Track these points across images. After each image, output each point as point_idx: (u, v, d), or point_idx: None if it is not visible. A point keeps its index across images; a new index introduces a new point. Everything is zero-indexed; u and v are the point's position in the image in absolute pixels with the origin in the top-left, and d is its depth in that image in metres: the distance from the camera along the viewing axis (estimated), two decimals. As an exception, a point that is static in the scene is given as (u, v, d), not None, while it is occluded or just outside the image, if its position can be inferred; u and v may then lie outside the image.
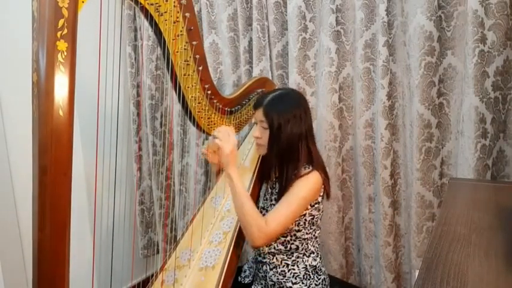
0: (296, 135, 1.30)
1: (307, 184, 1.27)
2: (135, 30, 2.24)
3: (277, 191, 1.37)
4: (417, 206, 1.57)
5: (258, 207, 1.45)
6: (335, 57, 1.72)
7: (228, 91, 2.00)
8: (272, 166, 1.44)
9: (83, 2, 0.70)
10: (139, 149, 2.34)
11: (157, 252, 2.48)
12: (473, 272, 0.68)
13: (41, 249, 0.69)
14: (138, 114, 2.29)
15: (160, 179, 2.34)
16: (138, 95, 2.28)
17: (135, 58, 2.26)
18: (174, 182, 2.30)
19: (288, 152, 1.30)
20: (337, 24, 1.72)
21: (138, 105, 2.28)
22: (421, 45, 1.46)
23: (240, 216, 1.24)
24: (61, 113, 0.66)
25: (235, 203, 1.25)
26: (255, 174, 1.47)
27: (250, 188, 1.41)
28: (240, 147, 1.67)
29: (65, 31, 0.66)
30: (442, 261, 0.72)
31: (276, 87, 1.78)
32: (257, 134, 1.36)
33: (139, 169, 2.36)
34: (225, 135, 1.28)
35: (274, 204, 1.36)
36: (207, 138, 2.15)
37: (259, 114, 1.33)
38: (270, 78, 1.87)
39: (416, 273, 0.73)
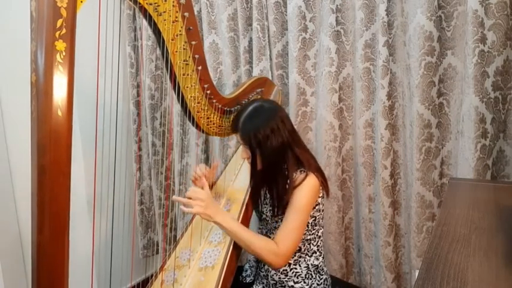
0: (278, 147, 1.27)
1: (306, 192, 1.26)
2: (135, 30, 2.24)
3: (275, 198, 1.36)
4: (417, 206, 1.57)
5: (258, 212, 1.44)
6: (335, 57, 1.72)
7: (228, 91, 2.00)
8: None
9: (81, 1, 0.70)
10: (139, 149, 2.34)
11: (157, 252, 2.48)
12: (473, 272, 0.68)
13: (41, 250, 0.69)
14: (138, 114, 2.29)
15: (160, 179, 2.34)
16: (138, 95, 2.28)
17: (135, 58, 2.26)
18: (174, 182, 2.30)
19: (274, 166, 1.29)
20: (337, 24, 1.72)
21: (138, 105, 2.28)
22: (421, 45, 1.46)
23: (250, 251, 1.25)
24: (60, 113, 0.66)
25: (238, 243, 1.25)
26: None
27: (249, 191, 1.41)
28: (239, 147, 1.67)
29: (64, 31, 0.66)
30: (442, 261, 0.72)
31: (275, 87, 1.78)
32: (245, 156, 1.35)
33: (139, 169, 2.36)
34: (190, 202, 1.20)
35: (271, 210, 1.36)
36: (206, 138, 2.16)
37: (239, 138, 1.33)
38: (270, 78, 1.87)
39: (416, 273, 0.73)
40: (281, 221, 1.31)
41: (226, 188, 1.50)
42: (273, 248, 1.22)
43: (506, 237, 0.80)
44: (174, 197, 1.23)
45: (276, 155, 1.28)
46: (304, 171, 1.29)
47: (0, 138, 1.69)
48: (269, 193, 1.36)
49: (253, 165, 1.31)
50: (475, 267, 0.70)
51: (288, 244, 1.23)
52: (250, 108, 1.33)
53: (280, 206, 1.29)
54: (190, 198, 1.20)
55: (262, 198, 1.45)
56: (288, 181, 1.28)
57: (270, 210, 1.37)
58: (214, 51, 2.03)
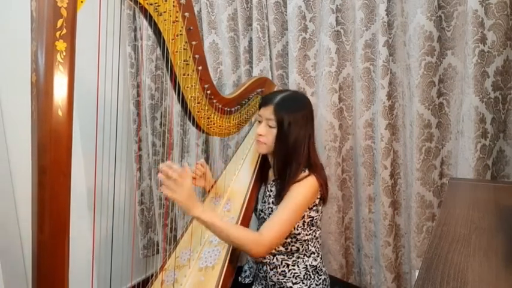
0: (302, 137, 1.30)
1: (303, 189, 1.26)
2: (135, 30, 2.24)
3: (274, 194, 1.36)
4: (417, 206, 1.57)
5: (256, 210, 1.44)
6: (335, 57, 1.72)
7: (228, 91, 2.00)
8: (271, 167, 1.44)
9: (81, 1, 0.70)
10: (139, 149, 2.34)
11: (157, 252, 2.48)
12: (473, 272, 0.68)
13: (41, 250, 0.69)
14: (138, 114, 2.29)
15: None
16: (138, 95, 2.28)
17: (135, 58, 2.26)
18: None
19: (292, 152, 1.30)
20: (337, 24, 1.72)
21: (138, 105, 2.28)
22: (421, 45, 1.46)
23: (231, 243, 1.22)
24: (60, 113, 0.66)
25: (219, 237, 1.21)
26: (254, 175, 1.47)
27: (249, 191, 1.41)
28: (240, 147, 1.67)
29: (64, 31, 0.66)
30: (442, 261, 0.72)
31: (276, 87, 1.78)
32: (261, 132, 1.34)
33: (139, 169, 2.36)
34: (173, 184, 1.10)
35: (271, 207, 1.36)
36: (206, 138, 2.16)
37: (268, 112, 1.32)
38: (270, 78, 1.87)
39: (416, 273, 0.73)
40: None
41: (227, 187, 1.50)
42: (254, 238, 1.21)
43: (506, 237, 0.80)
44: (162, 166, 1.10)
45: (297, 143, 1.29)
46: (306, 171, 1.29)
47: (0, 139, 1.69)
48: (278, 178, 1.35)
49: (277, 142, 1.32)
50: (475, 267, 0.70)
51: (271, 235, 1.21)
52: (289, 92, 1.40)
53: (282, 194, 1.29)
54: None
55: (261, 196, 1.45)
56: (295, 172, 1.29)
57: (268, 207, 1.37)
58: (214, 51, 2.03)
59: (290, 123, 1.28)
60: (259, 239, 1.20)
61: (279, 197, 1.30)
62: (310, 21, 1.79)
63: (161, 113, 2.30)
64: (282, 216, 1.24)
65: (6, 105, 1.70)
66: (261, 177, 1.49)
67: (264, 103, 1.36)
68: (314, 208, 1.32)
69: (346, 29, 1.72)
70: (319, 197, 1.32)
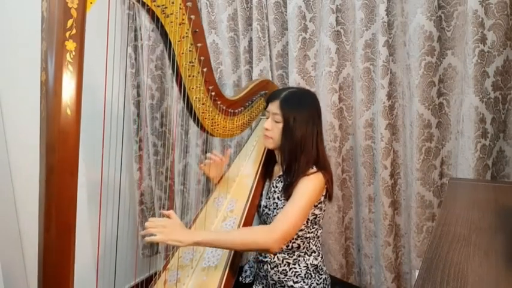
0: (310, 134, 1.31)
1: (311, 184, 1.27)
2: (135, 30, 2.24)
3: (280, 189, 1.37)
4: (417, 206, 1.58)
5: (260, 206, 1.45)
6: (335, 57, 1.73)
7: (228, 91, 2.01)
8: (277, 162, 1.45)
9: (91, 2, 0.71)
10: (140, 149, 2.34)
11: (157, 252, 2.49)
12: (473, 272, 0.69)
13: (47, 249, 0.69)
14: (139, 115, 2.29)
15: (161, 179, 2.34)
16: (139, 95, 2.28)
17: (135, 58, 2.25)
18: (174, 182, 2.30)
19: (300, 149, 1.31)
20: (337, 24, 1.72)
21: (138, 105, 2.28)
22: (421, 45, 1.46)
23: (244, 247, 1.20)
24: (69, 112, 0.67)
25: (227, 247, 1.21)
26: (258, 172, 1.47)
27: (253, 189, 1.42)
28: (243, 147, 1.68)
29: (74, 31, 0.67)
30: (442, 261, 0.73)
31: (278, 87, 1.79)
32: (268, 126, 1.36)
33: (140, 169, 2.36)
34: (160, 230, 1.09)
35: (276, 203, 1.37)
36: (207, 139, 2.16)
37: (274, 107, 1.34)
38: (270, 78, 1.87)
39: (416, 273, 0.73)
40: None
41: (230, 188, 1.51)
42: (264, 230, 1.21)
43: (506, 237, 0.81)
44: (142, 233, 1.13)
45: (303, 139, 1.30)
46: (314, 168, 1.30)
47: (1, 139, 1.69)
48: (285, 173, 1.36)
49: (282, 137, 1.33)
50: (475, 267, 0.70)
51: (283, 227, 1.19)
52: (297, 89, 1.43)
53: (290, 188, 1.30)
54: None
55: (265, 192, 1.46)
56: (303, 168, 1.30)
57: (273, 203, 1.38)
58: (214, 51, 2.03)
59: (295, 119, 1.30)
60: (272, 229, 1.18)
61: (287, 192, 1.31)
62: (310, 21, 1.79)
63: (162, 113, 2.31)
64: (295, 207, 1.23)
65: (7, 106, 1.70)
66: (265, 174, 1.49)
67: (271, 98, 1.38)
68: (319, 206, 1.33)
69: (346, 29, 1.73)
70: (324, 194, 1.33)
